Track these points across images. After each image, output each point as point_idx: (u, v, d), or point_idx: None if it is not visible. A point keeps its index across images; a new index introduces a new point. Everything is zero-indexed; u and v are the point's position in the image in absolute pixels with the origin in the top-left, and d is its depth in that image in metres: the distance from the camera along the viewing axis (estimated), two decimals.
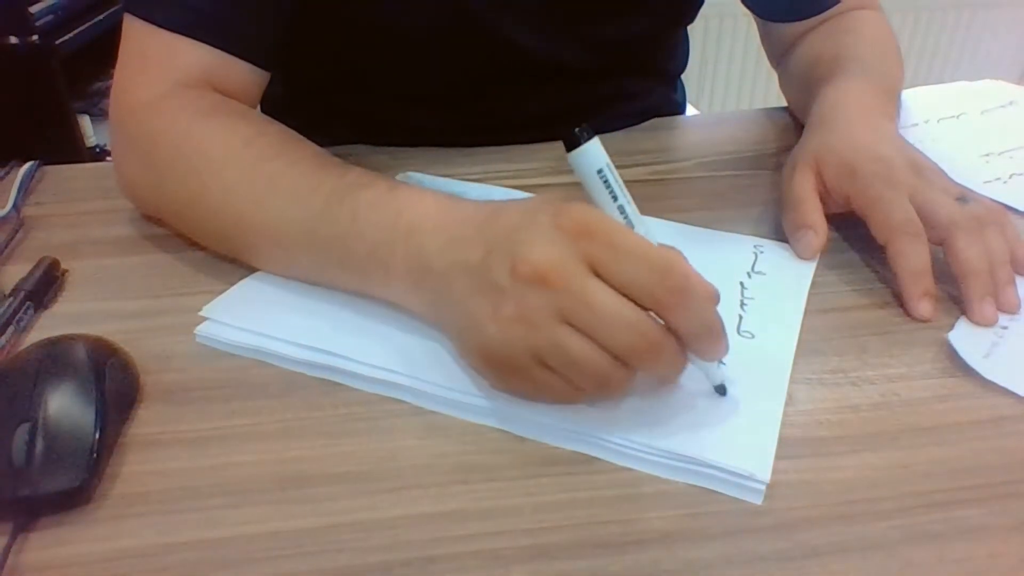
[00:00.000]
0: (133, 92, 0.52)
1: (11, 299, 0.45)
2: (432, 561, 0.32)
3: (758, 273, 0.49)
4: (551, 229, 0.35)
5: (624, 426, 0.37)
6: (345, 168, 0.46)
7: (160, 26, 0.51)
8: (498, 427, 0.38)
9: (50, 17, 1.36)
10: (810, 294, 0.47)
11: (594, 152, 0.35)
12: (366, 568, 0.32)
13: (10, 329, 0.44)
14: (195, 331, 0.43)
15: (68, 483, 0.34)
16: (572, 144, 0.35)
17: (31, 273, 0.48)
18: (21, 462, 0.34)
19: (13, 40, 1.33)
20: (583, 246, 0.34)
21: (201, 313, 0.44)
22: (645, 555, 0.32)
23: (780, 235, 0.52)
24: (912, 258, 0.46)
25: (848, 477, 0.36)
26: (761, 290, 0.47)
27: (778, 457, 0.36)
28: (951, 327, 0.44)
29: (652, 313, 0.35)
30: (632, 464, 0.36)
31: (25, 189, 0.59)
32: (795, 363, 0.42)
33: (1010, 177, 0.59)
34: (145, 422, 0.39)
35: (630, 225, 0.36)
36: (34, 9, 1.34)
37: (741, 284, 0.48)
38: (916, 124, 0.67)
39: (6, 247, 0.52)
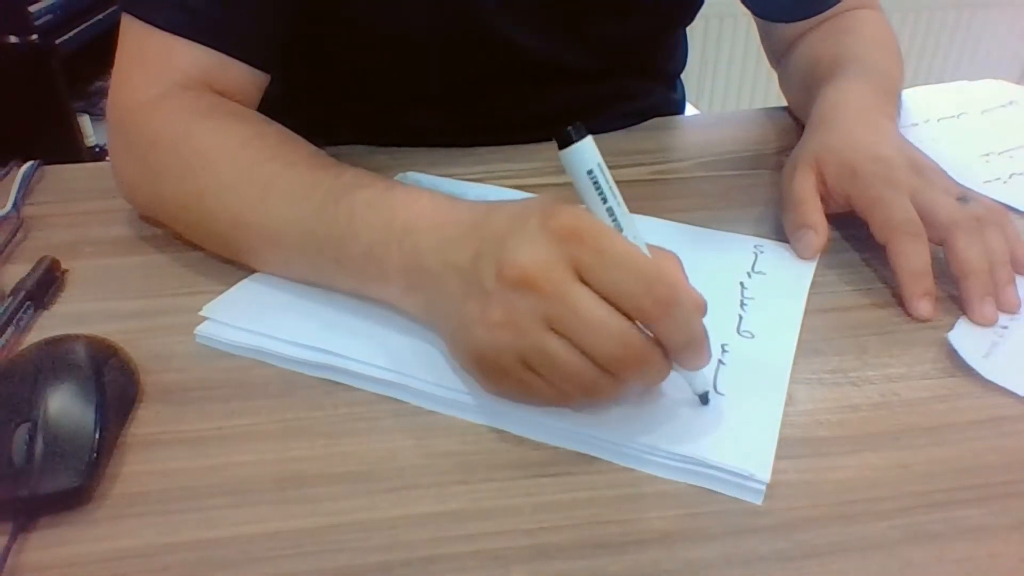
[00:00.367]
0: (131, 93, 0.52)
1: (11, 299, 0.45)
2: (432, 561, 0.32)
3: (758, 273, 0.49)
4: (539, 232, 0.35)
5: (624, 426, 0.37)
6: (342, 168, 0.46)
7: (158, 27, 0.51)
8: (498, 427, 0.38)
9: (50, 17, 1.36)
10: (810, 294, 0.47)
11: (586, 152, 0.34)
12: (366, 568, 0.32)
13: (10, 329, 0.44)
14: (195, 331, 0.43)
15: (68, 483, 0.34)
16: (564, 143, 0.34)
17: (31, 273, 0.48)
18: (21, 462, 0.34)
19: (13, 40, 1.33)
20: (570, 250, 0.34)
21: (201, 313, 0.44)
22: (645, 555, 0.32)
23: (780, 235, 0.52)
24: (912, 258, 0.46)
25: (848, 477, 0.36)
26: (761, 290, 0.47)
27: (778, 457, 0.36)
28: (951, 327, 0.44)
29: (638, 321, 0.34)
30: (632, 464, 0.36)
31: (25, 189, 0.59)
32: (795, 363, 0.42)
33: (1010, 177, 0.59)
34: (145, 422, 0.39)
35: (619, 228, 0.35)
36: (34, 9, 1.34)
37: (741, 284, 0.48)
38: (916, 124, 0.67)
39: (6, 247, 0.52)
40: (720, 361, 0.41)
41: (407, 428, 0.38)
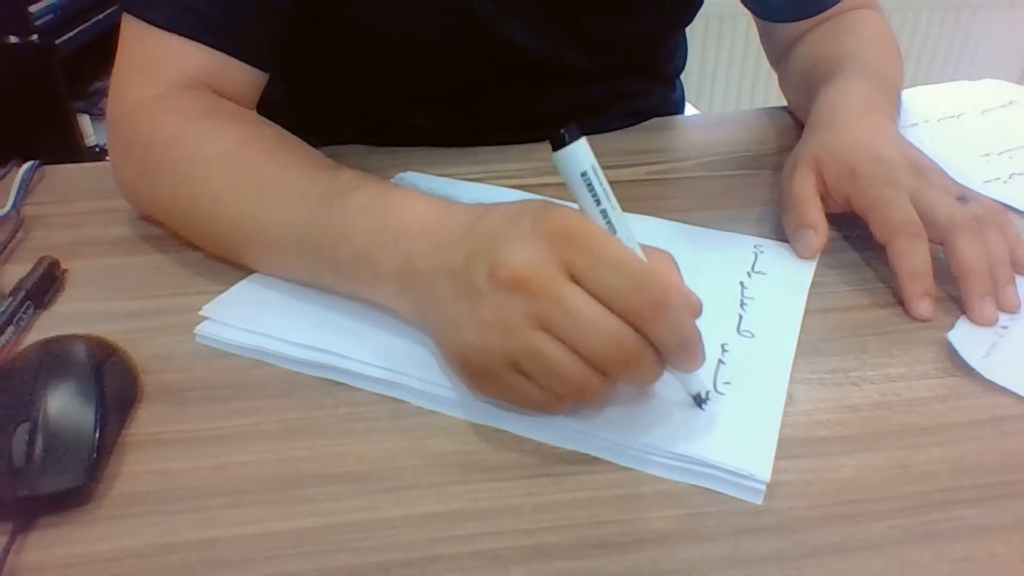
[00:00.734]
0: (130, 93, 0.52)
1: (11, 299, 0.45)
2: (432, 561, 0.32)
3: (758, 273, 0.49)
4: (532, 234, 0.35)
5: (624, 426, 0.37)
6: (338, 171, 0.46)
7: (158, 26, 0.51)
8: (498, 427, 0.38)
9: (50, 17, 1.36)
10: (810, 294, 0.47)
11: (579, 153, 0.34)
12: (365, 568, 0.32)
13: (10, 329, 0.44)
14: (195, 331, 0.44)
15: (68, 483, 0.34)
16: (557, 144, 0.34)
17: (31, 273, 0.48)
18: (21, 462, 0.34)
19: (13, 40, 1.33)
20: (563, 252, 0.34)
21: (201, 313, 0.44)
22: (645, 555, 0.32)
23: (780, 235, 0.52)
24: (912, 258, 0.46)
25: (848, 477, 0.36)
26: (761, 290, 0.47)
27: (778, 457, 0.36)
28: (951, 327, 0.44)
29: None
30: (632, 464, 0.36)
31: (25, 189, 0.59)
32: (795, 363, 0.42)
33: (1010, 177, 0.59)
34: (145, 422, 0.39)
35: (612, 230, 0.35)
36: (34, 9, 1.34)
37: (741, 284, 0.48)
38: (916, 124, 0.67)
39: (6, 247, 0.52)
40: (720, 361, 0.41)
41: (407, 428, 0.38)
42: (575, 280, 0.34)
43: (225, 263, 0.49)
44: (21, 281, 0.47)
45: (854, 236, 0.52)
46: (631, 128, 0.68)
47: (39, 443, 0.35)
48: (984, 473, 0.36)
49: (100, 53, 1.16)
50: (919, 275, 0.46)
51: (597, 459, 0.37)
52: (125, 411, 0.39)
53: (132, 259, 0.51)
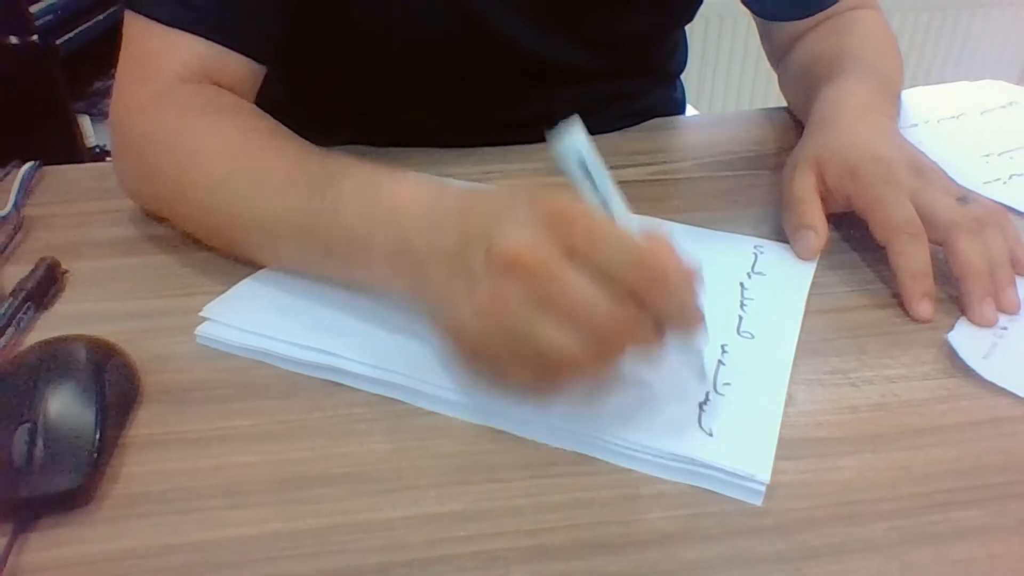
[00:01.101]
0: (131, 92, 0.53)
1: (11, 299, 0.45)
2: (432, 562, 0.32)
3: (758, 273, 0.49)
4: (528, 216, 0.35)
5: (624, 427, 0.37)
6: (329, 157, 0.46)
7: (159, 21, 0.52)
8: (498, 428, 0.38)
9: (50, 17, 1.36)
10: (810, 294, 0.47)
11: (576, 141, 0.34)
12: (366, 569, 0.32)
13: (10, 329, 0.44)
14: (195, 331, 0.44)
15: (68, 484, 0.34)
16: (556, 137, 0.34)
17: (31, 273, 0.48)
18: (21, 463, 0.34)
19: (13, 40, 1.33)
20: (559, 232, 0.34)
21: (201, 314, 0.44)
22: (645, 556, 0.32)
23: (780, 235, 0.52)
24: (912, 259, 0.46)
25: (848, 478, 0.36)
26: (761, 290, 0.47)
27: (778, 457, 0.36)
28: (951, 328, 0.44)
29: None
30: (632, 465, 0.36)
31: (25, 189, 0.58)
32: (795, 364, 0.42)
33: (1010, 177, 0.59)
34: (145, 423, 0.39)
35: (611, 214, 0.35)
36: (34, 9, 1.34)
37: (741, 284, 0.48)
38: (916, 124, 0.67)
39: (6, 247, 0.52)
40: (720, 361, 0.41)
41: (407, 429, 0.38)
42: (573, 261, 0.34)
43: (225, 263, 0.49)
44: (21, 282, 0.47)
45: (854, 236, 0.52)
46: (631, 128, 0.68)
47: (40, 444, 0.35)
48: (984, 474, 0.36)
49: (100, 53, 1.17)
50: (919, 276, 0.46)
51: (597, 460, 0.37)
52: (125, 412, 0.39)
53: (132, 260, 0.51)
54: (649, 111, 0.71)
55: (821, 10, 0.68)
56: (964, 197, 0.48)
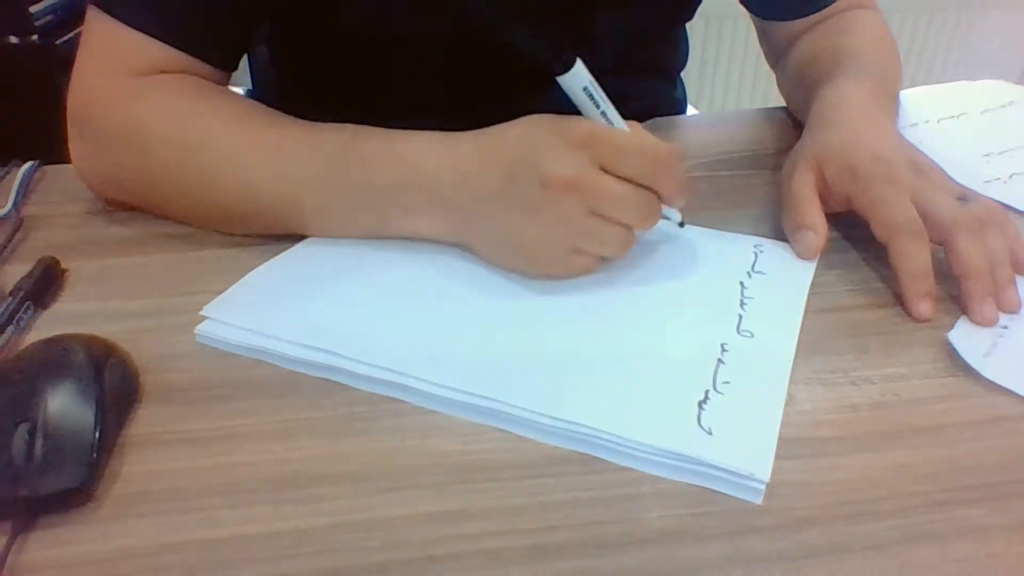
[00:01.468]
0: (99, 83, 0.52)
1: (11, 299, 0.45)
2: (432, 561, 0.32)
3: (758, 273, 0.49)
4: (563, 144, 0.44)
5: (624, 426, 0.37)
6: (340, 125, 0.50)
7: (122, 21, 0.52)
8: (498, 427, 0.38)
9: (50, 17, 1.36)
10: (810, 294, 0.47)
11: (580, 73, 0.44)
12: (366, 568, 0.32)
13: (10, 329, 0.44)
14: (195, 331, 0.44)
15: (68, 483, 0.34)
16: (561, 69, 0.44)
17: (31, 273, 0.48)
18: (21, 462, 0.34)
19: (13, 40, 1.33)
20: (592, 152, 0.43)
21: (201, 313, 0.44)
22: (645, 555, 0.32)
23: (780, 235, 0.52)
24: (913, 258, 0.46)
25: (848, 477, 0.36)
26: (761, 290, 0.47)
27: (778, 457, 0.36)
28: (951, 327, 0.44)
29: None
30: (632, 464, 0.36)
31: (25, 189, 0.59)
32: (795, 363, 0.42)
33: (1010, 177, 0.59)
34: (145, 422, 0.39)
35: (612, 124, 0.46)
36: (34, 9, 1.34)
37: (741, 284, 0.48)
38: (916, 124, 0.67)
39: (6, 247, 0.52)
40: (720, 361, 0.41)
41: (407, 428, 0.38)
42: (605, 170, 0.44)
43: (226, 263, 0.49)
44: (21, 281, 0.47)
45: (854, 236, 0.52)
46: None
47: (39, 443, 0.35)
48: (984, 473, 0.36)
49: None
50: (920, 275, 0.46)
51: (597, 459, 0.37)
52: (125, 411, 0.39)
53: (132, 259, 0.51)
54: (650, 110, 0.71)
55: (819, 10, 0.68)
56: (964, 196, 0.48)
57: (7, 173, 0.60)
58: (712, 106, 1.99)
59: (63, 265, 0.50)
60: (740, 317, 0.45)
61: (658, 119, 0.70)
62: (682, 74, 0.83)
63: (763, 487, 0.35)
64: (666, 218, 0.50)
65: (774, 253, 0.51)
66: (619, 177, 0.44)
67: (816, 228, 0.50)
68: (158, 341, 0.44)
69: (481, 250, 0.48)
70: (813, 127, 0.55)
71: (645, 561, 0.32)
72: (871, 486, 0.35)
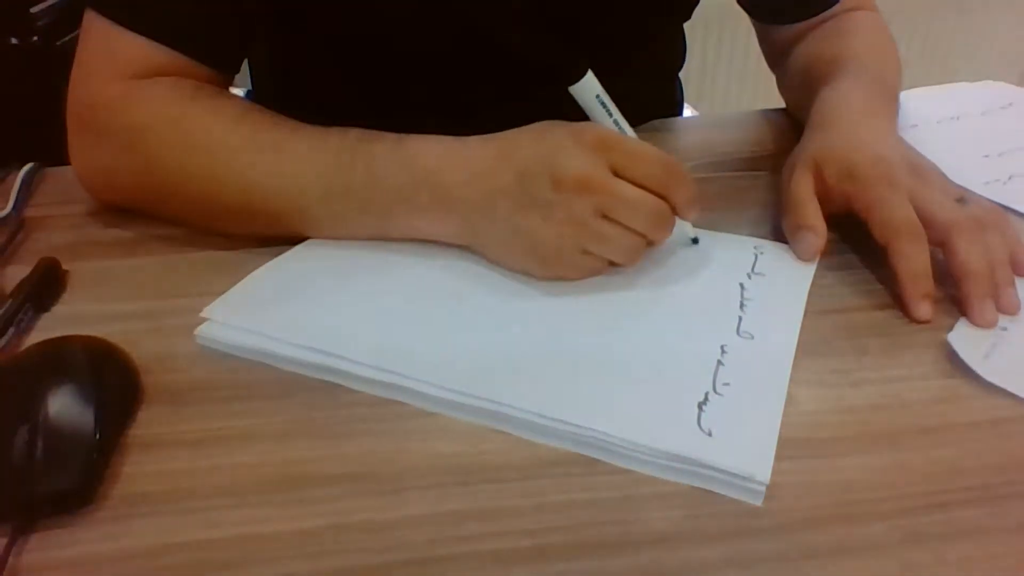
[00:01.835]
0: (98, 85, 0.52)
1: (11, 300, 0.45)
2: (432, 562, 0.32)
3: (758, 274, 0.49)
4: (577, 146, 0.44)
5: (624, 427, 0.37)
6: (344, 128, 0.50)
7: (121, 24, 0.52)
8: (498, 429, 0.38)
9: (50, 17, 1.36)
10: (810, 295, 0.47)
11: (591, 83, 0.46)
12: (367, 569, 0.32)
13: (10, 330, 0.44)
14: (196, 332, 0.44)
15: (68, 484, 0.34)
16: (574, 78, 0.46)
17: (31, 274, 0.48)
18: (22, 463, 0.34)
19: (14, 41, 1.33)
20: (605, 156, 0.44)
21: (202, 314, 0.44)
22: (645, 556, 0.32)
23: (780, 236, 0.52)
24: (912, 260, 0.46)
25: (848, 478, 0.36)
26: (761, 291, 0.47)
27: (778, 458, 0.36)
28: (951, 328, 0.44)
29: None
30: (632, 465, 0.36)
31: (25, 190, 0.59)
32: (795, 364, 0.42)
33: (1009, 178, 0.59)
34: (146, 423, 0.39)
35: (624, 133, 0.47)
36: (34, 9, 1.33)
37: (741, 285, 0.48)
38: (916, 125, 0.67)
39: (6, 248, 0.52)
40: (720, 362, 0.41)
41: (407, 429, 0.39)
42: (618, 175, 0.44)
43: (226, 263, 0.49)
44: (21, 282, 0.47)
45: (854, 237, 0.52)
46: None
47: (40, 444, 0.35)
48: (984, 474, 0.36)
49: None
50: (919, 277, 0.46)
51: (597, 460, 0.37)
52: (126, 412, 0.39)
53: (133, 260, 0.51)
54: (647, 110, 0.71)
55: (819, 13, 0.68)
56: (963, 198, 0.48)
57: (7, 174, 0.60)
58: (712, 106, 1.99)
59: (64, 266, 0.50)
60: (740, 318, 0.45)
61: (657, 121, 0.70)
62: (681, 74, 0.83)
63: (763, 488, 0.35)
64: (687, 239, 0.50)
65: (774, 254, 0.51)
66: (631, 183, 0.44)
67: (816, 229, 0.50)
68: (158, 342, 0.44)
69: (488, 250, 0.48)
70: (813, 129, 0.55)
71: (645, 563, 0.32)
72: (871, 487, 0.35)
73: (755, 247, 0.52)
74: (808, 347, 0.43)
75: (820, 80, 0.60)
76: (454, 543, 0.33)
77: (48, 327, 0.45)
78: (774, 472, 0.35)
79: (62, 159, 0.57)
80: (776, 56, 0.73)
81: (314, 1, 0.58)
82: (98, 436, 0.36)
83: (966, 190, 0.50)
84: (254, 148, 0.49)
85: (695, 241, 0.51)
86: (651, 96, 0.76)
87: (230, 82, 0.58)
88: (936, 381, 0.41)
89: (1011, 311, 0.45)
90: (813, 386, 0.41)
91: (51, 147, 0.59)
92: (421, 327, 0.44)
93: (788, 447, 0.37)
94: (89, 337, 0.41)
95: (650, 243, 0.47)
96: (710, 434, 0.37)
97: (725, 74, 1.96)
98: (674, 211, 0.46)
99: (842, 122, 0.54)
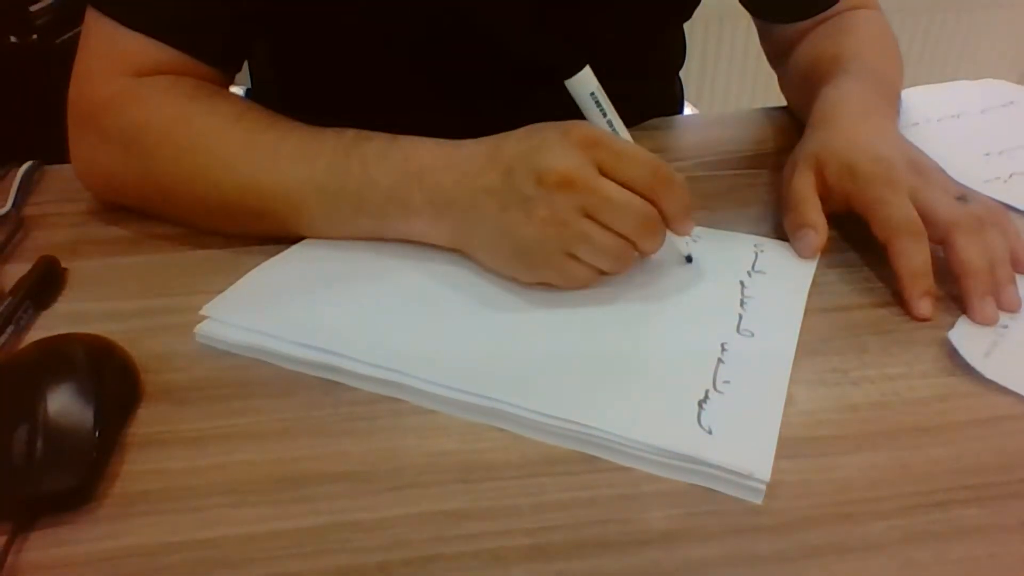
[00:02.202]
0: (99, 84, 0.52)
1: (11, 298, 0.45)
2: (432, 561, 0.32)
3: (758, 272, 0.49)
4: (563, 143, 0.43)
5: (624, 425, 0.37)
6: (340, 128, 0.50)
7: (121, 23, 0.52)
8: (498, 426, 0.38)
9: (50, 17, 1.36)
10: (810, 293, 0.47)
11: (587, 78, 0.45)
12: (366, 568, 0.32)
13: (10, 328, 0.44)
14: (195, 330, 0.43)
15: (68, 483, 0.34)
16: (568, 73, 0.44)
17: (31, 272, 0.48)
18: (21, 462, 0.34)
19: (13, 40, 1.33)
20: (592, 154, 0.43)
21: (201, 312, 0.44)
22: (645, 555, 0.32)
23: (780, 234, 0.52)
24: (913, 258, 0.46)
25: (848, 477, 0.36)
26: (761, 289, 0.47)
27: (778, 457, 0.36)
28: (951, 326, 0.44)
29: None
30: (632, 463, 0.36)
31: (25, 189, 0.58)
32: (795, 362, 0.42)
33: (1010, 176, 0.59)
34: (145, 421, 0.39)
35: (616, 134, 0.46)
36: (33, 8, 1.33)
37: (741, 283, 0.48)
38: (916, 123, 0.67)
39: (6, 246, 0.52)
40: (720, 360, 0.41)
41: (407, 427, 0.38)
42: (604, 174, 0.43)
43: (226, 262, 0.49)
44: (21, 280, 0.47)
45: (854, 236, 0.52)
46: (631, 128, 0.68)
47: (39, 443, 0.35)
48: (984, 473, 0.36)
49: None
50: (919, 275, 0.46)
51: (597, 459, 0.37)
52: (125, 411, 0.39)
53: (132, 259, 0.51)
54: (647, 109, 0.71)
55: (821, 11, 0.68)
56: (964, 196, 0.48)
57: (7, 173, 0.60)
58: (712, 106, 1.99)
59: (63, 265, 0.50)
60: (740, 316, 0.45)
61: (657, 119, 0.70)
62: (681, 74, 0.83)
63: (763, 487, 0.35)
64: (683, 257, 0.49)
65: (774, 252, 0.51)
66: (619, 184, 0.43)
67: (817, 227, 0.50)
68: (158, 340, 0.43)
69: (477, 253, 0.47)
70: (814, 127, 0.55)
71: (645, 561, 0.32)
72: (871, 486, 0.35)
73: (756, 245, 0.52)
74: (808, 345, 0.43)
75: (821, 78, 0.60)
76: (454, 541, 0.33)
77: (47, 325, 0.45)
78: (774, 470, 0.35)
79: (62, 157, 0.57)
80: (777, 55, 0.73)
81: (314, 1, 0.58)
82: (97, 434, 0.36)
83: (967, 188, 0.50)
84: (251, 148, 0.49)
85: (689, 259, 0.49)
86: (651, 95, 0.76)
87: (231, 81, 0.58)
88: (937, 379, 0.41)
89: (1012, 309, 0.45)
90: (813, 385, 0.41)
91: (51, 145, 0.59)
92: (421, 324, 0.44)
93: (788, 446, 0.37)
94: (88, 335, 0.41)
95: (639, 252, 0.45)
96: (710, 432, 0.37)
97: (725, 73, 1.95)
98: (665, 221, 0.44)
99: (843, 120, 0.54)
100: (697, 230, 0.53)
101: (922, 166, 0.49)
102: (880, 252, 0.48)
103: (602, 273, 0.45)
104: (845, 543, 0.33)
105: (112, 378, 0.39)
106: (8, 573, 0.32)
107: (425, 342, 0.42)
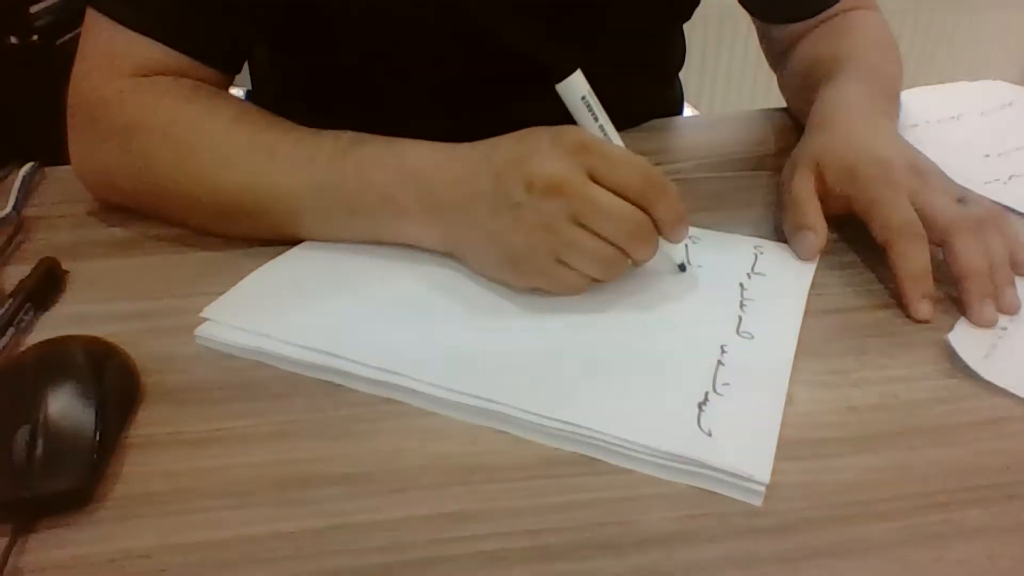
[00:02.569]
0: (100, 83, 0.52)
1: (12, 300, 0.45)
2: (432, 562, 0.32)
3: (758, 274, 0.49)
4: (553, 149, 0.42)
5: (624, 427, 0.37)
6: (337, 131, 0.50)
7: (123, 24, 0.52)
8: (498, 429, 0.38)
9: (50, 17, 1.36)
10: (810, 295, 0.47)
11: (578, 82, 0.43)
12: (366, 569, 0.32)
13: (10, 330, 0.44)
14: (196, 332, 0.44)
15: (69, 484, 0.34)
16: (559, 76, 0.43)
17: (31, 274, 0.48)
18: (22, 463, 0.34)
19: (13, 40, 1.33)
20: (582, 160, 0.42)
21: (202, 314, 0.44)
22: (645, 556, 0.32)
23: (780, 236, 0.52)
24: (912, 260, 0.46)
25: (848, 478, 0.36)
26: (761, 291, 0.47)
27: (778, 458, 0.36)
28: (951, 328, 0.44)
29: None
30: (632, 465, 0.36)
31: (25, 190, 0.58)
32: (795, 364, 0.42)
33: (1010, 178, 0.59)
34: (146, 423, 0.39)
35: (608, 139, 0.44)
36: (34, 9, 1.33)
37: (741, 285, 0.48)
38: (916, 125, 0.67)
39: (6, 248, 0.52)
40: (719, 362, 0.41)
41: (408, 429, 0.39)
42: (595, 180, 0.42)
43: (226, 264, 0.49)
44: (22, 282, 0.47)
45: (854, 237, 0.52)
46: (631, 129, 0.68)
47: (40, 444, 0.35)
48: (984, 474, 0.36)
49: None
50: (919, 277, 0.46)
51: (597, 460, 0.37)
52: (126, 412, 0.39)
53: (133, 260, 0.51)
54: (648, 111, 0.71)
55: (820, 12, 0.68)
56: (963, 198, 0.48)
57: (7, 173, 0.60)
58: (712, 106, 1.99)
59: (64, 266, 0.50)
60: (740, 318, 0.45)
61: (657, 120, 0.70)
62: (681, 74, 0.83)
63: (763, 489, 0.35)
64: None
65: (774, 254, 0.51)
66: (610, 192, 0.42)
67: (816, 229, 0.50)
68: (158, 342, 0.44)
69: (468, 258, 0.47)
70: (813, 129, 0.55)
71: (645, 563, 0.32)
72: (871, 487, 0.35)
73: (755, 247, 0.52)
74: (808, 347, 0.43)
75: (821, 80, 0.60)
76: (454, 543, 0.33)
77: (48, 327, 0.45)
78: (774, 472, 0.35)
79: (62, 159, 0.57)
80: (777, 55, 0.73)
81: (313, 1, 0.58)
82: (98, 436, 0.36)
83: (966, 190, 0.50)
84: (249, 149, 0.49)
85: (682, 268, 0.48)
86: (651, 96, 0.76)
87: (230, 82, 0.58)
88: (936, 381, 0.41)
89: (1011, 311, 0.45)
90: (813, 386, 0.41)
91: (51, 147, 0.59)
92: (422, 326, 0.44)
93: (788, 447, 0.37)
94: (89, 337, 0.41)
95: (632, 260, 0.45)
96: (710, 434, 0.37)
97: (725, 74, 1.96)
98: (657, 228, 0.43)
99: (843, 122, 0.54)
100: (697, 232, 0.53)
101: (922, 168, 0.50)
102: (880, 254, 0.48)
103: (594, 280, 0.45)
104: (845, 545, 0.33)
105: (113, 380, 0.39)
106: (8, 574, 0.32)
107: (426, 344, 0.42)
